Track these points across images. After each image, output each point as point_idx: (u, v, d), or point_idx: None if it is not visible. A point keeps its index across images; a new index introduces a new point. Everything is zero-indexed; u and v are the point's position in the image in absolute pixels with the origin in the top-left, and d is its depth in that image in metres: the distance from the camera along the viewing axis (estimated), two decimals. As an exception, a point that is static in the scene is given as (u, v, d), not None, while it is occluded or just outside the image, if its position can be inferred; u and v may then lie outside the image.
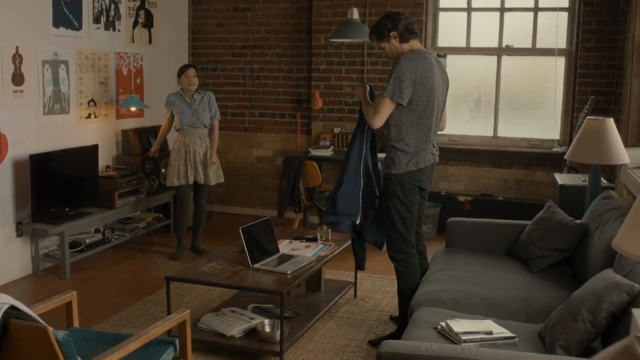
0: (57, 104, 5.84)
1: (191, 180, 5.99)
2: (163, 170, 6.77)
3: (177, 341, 3.02)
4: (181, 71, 5.96)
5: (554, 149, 6.64)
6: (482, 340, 2.92)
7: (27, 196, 5.41)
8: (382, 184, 4.13)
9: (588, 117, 4.42)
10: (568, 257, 4.12)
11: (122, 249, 6.30)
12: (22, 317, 2.34)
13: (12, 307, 2.34)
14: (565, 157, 4.63)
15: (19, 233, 5.50)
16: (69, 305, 3.19)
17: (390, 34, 4.00)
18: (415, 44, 4.04)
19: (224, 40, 7.83)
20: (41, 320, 2.38)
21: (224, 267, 4.17)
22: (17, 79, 5.40)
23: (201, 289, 5.11)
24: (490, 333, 2.96)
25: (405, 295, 4.05)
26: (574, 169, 5.96)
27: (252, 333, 4.05)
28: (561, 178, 5.51)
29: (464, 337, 2.90)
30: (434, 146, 4.11)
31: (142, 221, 6.56)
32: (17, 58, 5.38)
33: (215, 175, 6.12)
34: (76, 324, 3.22)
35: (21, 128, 5.47)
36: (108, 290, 5.24)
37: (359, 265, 4.53)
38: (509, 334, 2.98)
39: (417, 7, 6.85)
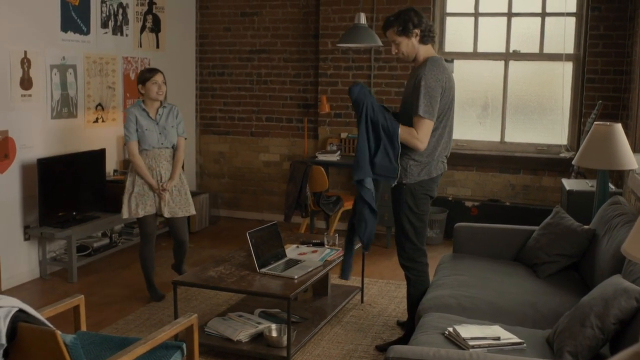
0: (65, 108, 5.87)
1: (153, 210, 4.93)
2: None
3: (184, 345, 3.02)
4: (146, 77, 4.84)
5: (562, 155, 6.63)
6: (489, 345, 2.90)
7: (35, 200, 5.42)
8: (393, 193, 4.06)
9: (596, 123, 4.41)
10: (576, 263, 4.11)
11: (129, 253, 6.30)
12: (30, 321, 2.34)
13: (21, 311, 2.34)
14: (573, 162, 4.62)
15: (27, 237, 5.52)
16: (76, 309, 3.20)
17: (414, 30, 3.88)
18: (429, 48, 3.99)
19: (231, 44, 7.85)
20: (49, 324, 2.39)
21: (231, 272, 4.18)
22: (26, 83, 5.42)
23: (208, 293, 5.11)
24: (498, 339, 2.95)
25: (415, 301, 4.02)
26: (581, 174, 5.94)
27: (259, 338, 4.06)
28: (569, 183, 5.50)
29: (471, 343, 2.90)
30: (445, 155, 4.07)
31: (149, 225, 6.56)
32: (25, 62, 5.40)
33: (186, 204, 5.03)
34: (83, 327, 3.23)
35: (29, 132, 5.49)
36: (115, 294, 5.25)
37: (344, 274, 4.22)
38: (517, 340, 2.96)
39: (424, 12, 6.84)
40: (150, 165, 4.88)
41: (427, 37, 3.93)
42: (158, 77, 4.86)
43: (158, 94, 4.86)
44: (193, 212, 5.09)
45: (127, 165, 6.58)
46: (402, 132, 3.86)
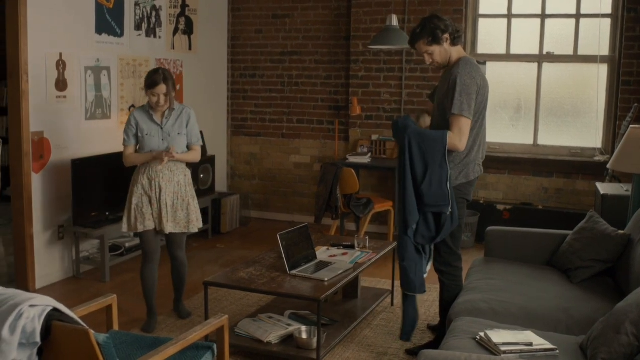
0: (99, 109, 5.94)
1: (152, 226, 4.43)
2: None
3: (215, 346, 3.04)
4: (148, 84, 4.34)
5: (596, 158, 6.53)
6: (521, 351, 2.87)
7: (69, 200, 5.50)
8: None
9: (631, 126, 4.35)
10: (610, 269, 4.04)
11: (161, 253, 6.34)
12: (64, 320, 2.37)
13: (55, 310, 2.37)
14: (608, 166, 4.56)
15: (61, 236, 5.60)
16: (109, 308, 3.23)
17: (444, 36, 3.85)
18: (460, 49, 3.96)
19: (262, 46, 7.88)
20: (83, 323, 2.41)
21: (261, 273, 4.19)
22: (61, 84, 5.50)
23: (238, 294, 5.14)
24: (530, 344, 2.91)
25: (447, 305, 3.97)
26: (616, 178, 5.85)
27: (289, 339, 4.06)
28: (603, 187, 5.42)
29: (503, 348, 2.86)
30: (481, 157, 4.02)
31: (181, 226, 6.60)
32: (60, 64, 5.48)
33: (195, 219, 4.51)
34: (116, 327, 3.26)
35: (64, 133, 5.57)
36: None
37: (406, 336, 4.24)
38: (550, 346, 2.93)
39: (457, 13, 6.81)
40: (149, 176, 4.38)
41: (456, 39, 3.90)
42: (159, 89, 4.29)
43: (157, 105, 4.34)
44: (194, 230, 4.53)
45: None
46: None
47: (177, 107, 4.45)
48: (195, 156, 4.53)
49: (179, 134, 4.41)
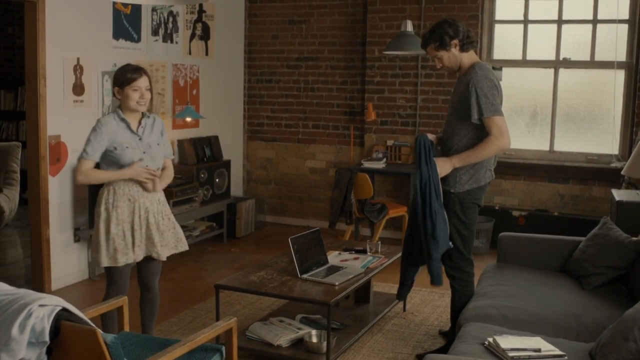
0: (115, 113, 5.99)
1: (140, 256, 3.71)
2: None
3: (223, 349, 3.05)
4: (126, 79, 3.60)
5: (613, 164, 6.49)
6: (529, 357, 2.86)
7: (85, 203, 5.56)
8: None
9: (646, 132, 4.31)
10: (623, 275, 4.01)
11: (175, 256, 6.37)
12: (73, 320, 2.40)
13: (64, 310, 2.40)
14: (622, 172, 4.52)
15: (77, 239, 5.65)
16: (120, 309, 3.27)
17: (452, 42, 3.88)
18: (472, 55, 3.97)
19: (279, 52, 7.91)
20: (91, 323, 2.44)
21: (272, 277, 4.21)
22: (78, 89, 5.57)
23: (251, 297, 5.16)
24: (539, 350, 2.90)
25: (459, 310, 3.97)
26: (633, 185, 5.80)
27: (299, 343, 4.07)
28: (619, 194, 5.37)
29: (511, 354, 2.85)
30: (492, 163, 4.02)
31: (196, 230, 6.65)
32: (78, 69, 5.55)
33: (182, 236, 3.93)
34: (127, 328, 3.29)
35: (81, 137, 5.57)
36: (160, 296, 5.31)
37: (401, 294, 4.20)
38: (558, 352, 2.91)
39: (473, 19, 6.80)
40: (131, 197, 3.67)
41: (466, 45, 3.92)
42: (142, 82, 3.61)
43: (139, 104, 3.63)
44: (183, 248, 3.94)
45: (175, 169, 6.64)
46: (481, 150, 3.83)
47: (149, 115, 3.79)
48: (172, 174, 3.95)
49: (158, 144, 3.77)
